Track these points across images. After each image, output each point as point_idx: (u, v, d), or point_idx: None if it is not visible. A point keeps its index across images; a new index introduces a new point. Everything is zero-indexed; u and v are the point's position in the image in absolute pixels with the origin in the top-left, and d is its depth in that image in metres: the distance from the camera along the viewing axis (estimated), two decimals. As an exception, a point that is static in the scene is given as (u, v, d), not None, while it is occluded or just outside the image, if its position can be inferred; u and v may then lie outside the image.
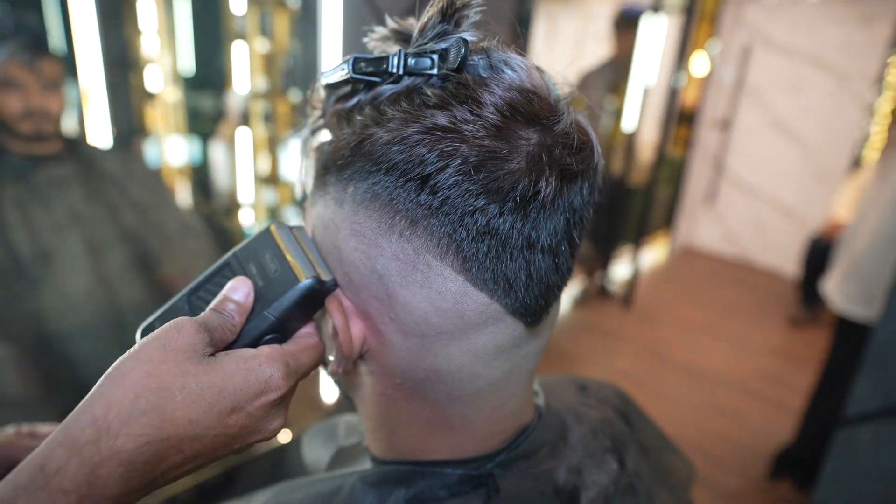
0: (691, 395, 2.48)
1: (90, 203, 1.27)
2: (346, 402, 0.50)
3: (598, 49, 3.04)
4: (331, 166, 0.36)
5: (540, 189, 0.32)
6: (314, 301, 0.37)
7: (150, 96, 2.35)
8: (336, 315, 0.37)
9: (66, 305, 1.22)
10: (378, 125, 0.33)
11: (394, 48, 0.37)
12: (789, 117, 3.94)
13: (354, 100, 0.37)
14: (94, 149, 1.37)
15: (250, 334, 0.36)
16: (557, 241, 0.34)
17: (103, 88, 1.51)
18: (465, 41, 0.32)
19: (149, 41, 2.14)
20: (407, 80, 0.34)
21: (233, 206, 2.77)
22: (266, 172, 2.50)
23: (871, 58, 3.55)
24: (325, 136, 0.40)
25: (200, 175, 3.55)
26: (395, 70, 0.34)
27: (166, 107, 3.07)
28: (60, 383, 1.24)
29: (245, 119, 2.54)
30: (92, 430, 0.28)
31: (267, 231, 0.38)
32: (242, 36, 2.41)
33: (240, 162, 2.63)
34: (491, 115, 0.31)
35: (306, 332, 0.38)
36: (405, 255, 0.33)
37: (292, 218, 2.56)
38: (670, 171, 3.92)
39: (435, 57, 0.33)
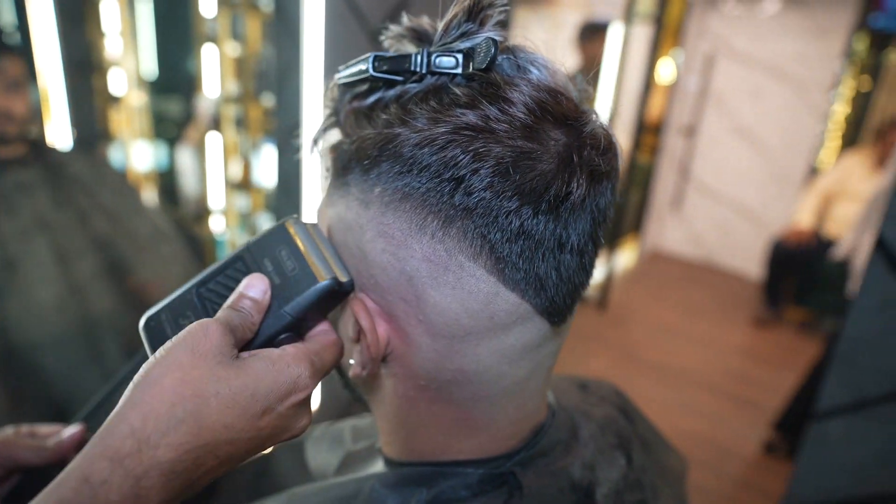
0: (665, 395, 2.53)
1: (58, 209, 1.22)
2: (353, 405, 0.49)
3: (568, 56, 3.09)
4: (354, 166, 0.36)
5: (572, 190, 0.32)
6: (332, 301, 0.37)
7: (114, 100, 2.29)
8: (362, 316, 0.36)
9: (34, 316, 1.17)
10: (405, 124, 0.33)
11: (408, 47, 0.36)
12: (751, 124, 4.07)
13: (374, 97, 0.36)
14: (61, 153, 1.32)
15: (266, 332, 0.35)
16: (585, 241, 0.34)
17: (64, 91, 1.46)
18: (495, 41, 0.32)
19: (112, 43, 2.08)
20: (430, 79, 0.34)
21: (203, 213, 2.70)
22: (238, 178, 2.45)
23: (826, 68, 3.71)
24: (337, 133, 0.39)
25: (167, 181, 3.46)
26: (418, 69, 0.33)
27: (131, 111, 2.99)
28: (29, 395, 1.18)
29: (216, 123, 2.49)
30: (132, 441, 0.28)
31: (283, 226, 0.37)
32: (213, 39, 2.36)
33: (210, 167, 2.57)
34: (522, 115, 0.31)
35: (323, 330, 0.38)
36: (437, 257, 0.33)
37: (265, 224, 2.51)
38: (639, 176, 4.01)
39: (460, 56, 0.33)
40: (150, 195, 2.86)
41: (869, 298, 1.10)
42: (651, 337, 3.08)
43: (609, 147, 0.34)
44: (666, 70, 3.51)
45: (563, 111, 0.32)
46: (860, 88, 3.65)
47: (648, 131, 3.90)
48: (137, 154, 3.16)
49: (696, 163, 4.33)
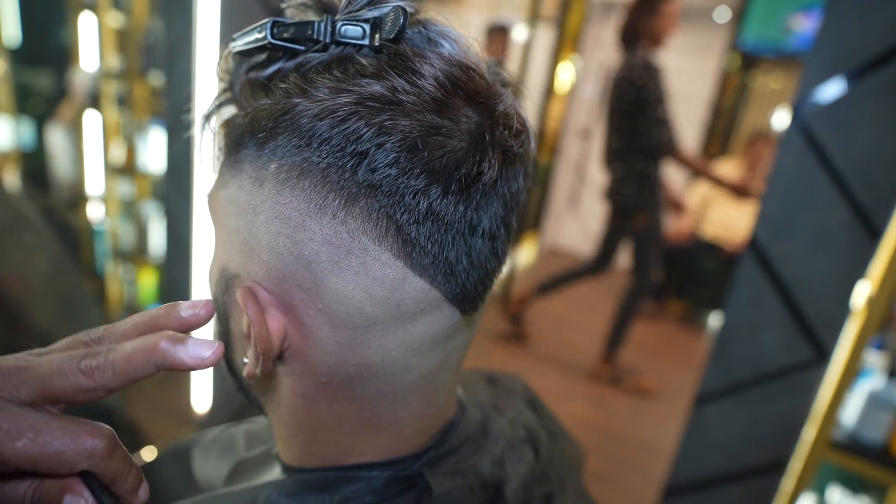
0: (560, 386, 2.65)
1: None
2: (247, 409, 0.45)
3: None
4: (247, 141, 0.32)
5: (483, 170, 0.30)
6: None
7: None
8: (250, 307, 0.32)
9: None
10: (305, 94, 0.30)
11: (312, 16, 0.34)
12: (640, 131, 4.37)
13: (273, 67, 0.33)
14: None
15: None
16: (497, 225, 0.33)
17: None
18: (404, 10, 0.30)
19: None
20: (335, 50, 0.31)
21: (78, 199, 2.44)
22: (120, 162, 2.23)
23: (704, 83, 4.07)
24: (232, 110, 0.36)
25: (34, 162, 3.11)
26: (321, 38, 0.31)
27: (-12, 81, 2.64)
28: None
29: (94, 101, 2.25)
30: None
31: None
32: (91, 7, 2.13)
33: (87, 149, 2.32)
34: (431, 88, 0.29)
35: None
36: (338, 239, 0.30)
37: (151, 212, 2.31)
38: (538, 176, 4.17)
39: (367, 26, 0.30)
40: (11, 178, 2.54)
41: (742, 292, 1.21)
42: (547, 329, 3.22)
43: (522, 129, 0.33)
44: (565, 74, 3.67)
45: (475, 88, 0.31)
46: (732, 103, 4.04)
47: (548, 133, 4.06)
48: (-4, 130, 2.79)
49: (592, 164, 4.58)
